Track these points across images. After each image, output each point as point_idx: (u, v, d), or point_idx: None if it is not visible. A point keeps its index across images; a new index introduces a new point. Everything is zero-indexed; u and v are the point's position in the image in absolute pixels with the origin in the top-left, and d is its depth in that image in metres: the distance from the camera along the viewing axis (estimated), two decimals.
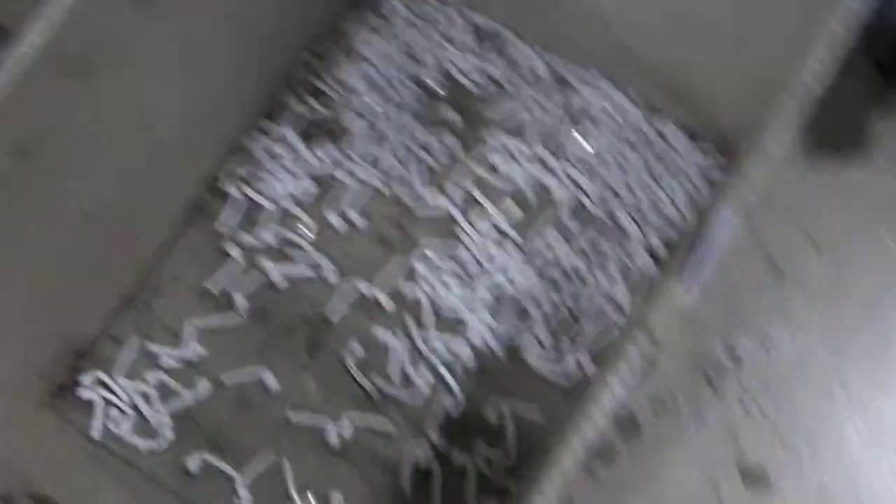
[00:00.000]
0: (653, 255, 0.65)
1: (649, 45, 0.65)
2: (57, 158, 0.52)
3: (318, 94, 0.71)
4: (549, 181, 0.68)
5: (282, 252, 0.67)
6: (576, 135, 0.69)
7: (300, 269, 0.66)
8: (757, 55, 0.55)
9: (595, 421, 0.43)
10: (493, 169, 0.69)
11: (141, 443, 0.62)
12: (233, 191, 0.68)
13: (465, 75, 0.71)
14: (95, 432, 0.62)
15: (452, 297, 0.66)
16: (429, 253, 0.67)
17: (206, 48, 0.59)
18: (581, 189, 0.68)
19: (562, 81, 0.71)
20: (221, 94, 0.64)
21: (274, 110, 0.70)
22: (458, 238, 0.67)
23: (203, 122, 0.63)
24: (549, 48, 0.72)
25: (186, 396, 0.63)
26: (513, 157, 0.69)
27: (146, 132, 0.58)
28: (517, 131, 0.70)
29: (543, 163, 0.69)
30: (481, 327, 0.65)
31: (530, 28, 0.71)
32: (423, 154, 0.68)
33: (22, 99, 0.46)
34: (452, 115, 0.70)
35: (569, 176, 0.68)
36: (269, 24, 0.65)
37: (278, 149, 0.69)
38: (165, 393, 0.63)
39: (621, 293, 0.65)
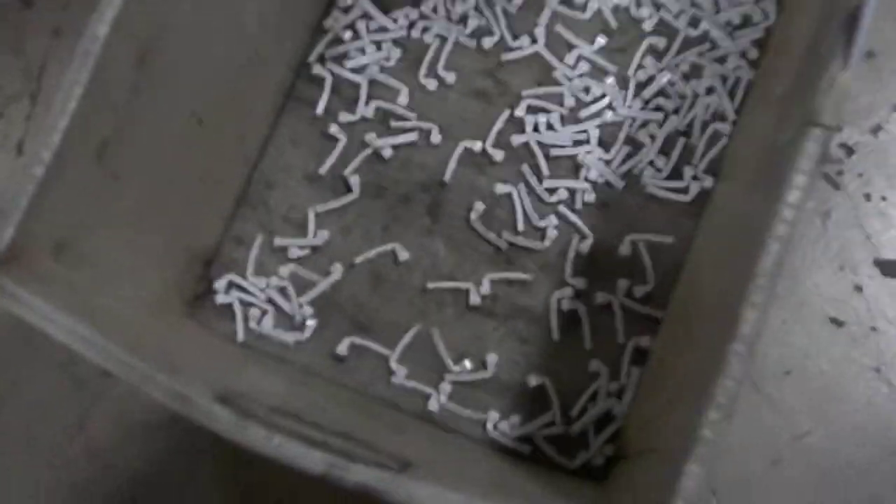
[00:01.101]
0: (745, 58, 0.63)
1: None
2: (169, 61, 0.50)
3: None
4: (627, 1, 0.65)
5: (382, 123, 0.65)
6: None
7: (404, 136, 0.64)
8: None
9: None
10: (569, 2, 0.66)
11: (287, 336, 0.62)
12: (323, 72, 0.66)
13: None
14: (240, 334, 0.62)
15: (561, 137, 0.64)
16: (527, 98, 0.64)
17: None
18: (662, 5, 0.64)
19: None
20: None
21: None
22: (553, 78, 0.64)
23: (283, 5, 0.61)
24: None
25: (321, 283, 0.61)
26: None
27: (235, 22, 0.56)
28: None
29: None
30: (595, 163, 0.63)
31: None
32: (500, 1, 0.65)
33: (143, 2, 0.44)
34: None
35: None
36: None
37: (359, 24, 0.66)
38: (300, 284, 0.61)
39: (724, 102, 0.63)
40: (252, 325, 0.62)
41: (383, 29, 0.66)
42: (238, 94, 0.59)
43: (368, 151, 0.63)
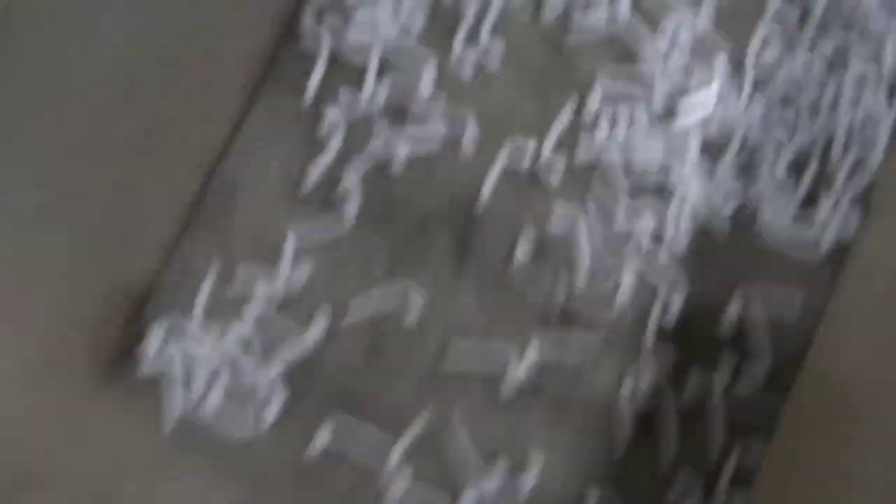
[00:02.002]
0: None
1: None
2: None
3: None
4: None
5: (396, 116, 0.50)
6: None
7: (426, 137, 0.49)
8: None
9: None
10: None
11: (240, 421, 0.46)
12: (316, 40, 0.50)
13: None
14: (171, 416, 0.46)
15: (647, 148, 0.49)
16: (602, 87, 0.49)
17: None
18: None
19: None
20: None
21: None
22: (638, 60, 0.50)
23: None
24: None
25: (299, 340, 0.47)
26: None
27: None
28: None
29: None
30: (694, 187, 0.48)
31: None
32: None
33: None
34: None
35: None
36: None
37: None
38: (268, 338, 0.47)
39: (879, 102, 0.50)
40: (194, 399, 0.46)
41: None
42: (184, 53, 0.45)
43: (373, 157, 0.49)
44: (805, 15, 0.51)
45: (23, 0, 0.39)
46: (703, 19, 0.51)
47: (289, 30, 0.52)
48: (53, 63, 0.42)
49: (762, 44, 0.51)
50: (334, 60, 0.51)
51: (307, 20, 0.51)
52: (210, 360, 0.47)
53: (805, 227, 0.48)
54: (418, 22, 0.51)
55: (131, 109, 0.44)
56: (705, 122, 0.50)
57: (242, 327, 0.48)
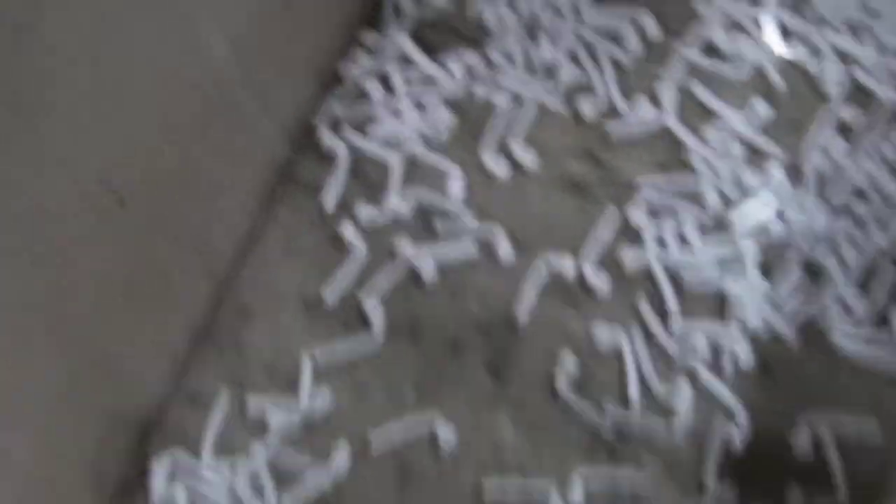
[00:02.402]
0: None
1: None
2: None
3: None
4: (801, 54, 0.48)
5: (423, 226, 0.46)
6: None
7: (457, 248, 0.46)
8: None
9: None
10: (714, 50, 0.49)
11: None
12: (335, 143, 0.47)
13: None
14: None
15: (700, 258, 0.45)
16: (649, 193, 0.46)
17: None
18: (853, 59, 0.48)
19: None
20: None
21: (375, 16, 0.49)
22: (686, 164, 0.47)
23: (268, 29, 0.39)
24: None
25: (319, 474, 0.42)
26: (741, 27, 0.49)
27: (189, 42, 0.37)
28: None
29: (787, 29, 0.49)
30: (753, 300, 0.44)
31: None
32: (606, 45, 0.48)
33: None
34: None
35: (830, 44, 0.48)
36: None
37: (392, 71, 0.46)
38: (284, 472, 0.42)
39: None
40: None
41: (429, 81, 0.48)
42: (192, 162, 0.41)
43: (400, 269, 0.45)
44: (868, 112, 0.47)
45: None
46: (755, 120, 0.46)
47: (309, 133, 0.48)
48: (58, 167, 0.37)
49: (821, 147, 0.46)
50: (356, 169, 0.47)
51: (323, 131, 0.47)
52: (218, 495, 0.42)
53: (879, 343, 0.44)
54: (446, 121, 0.47)
55: (128, 211, 0.39)
56: (762, 232, 0.45)
57: (255, 463, 0.43)
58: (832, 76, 0.48)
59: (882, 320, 0.44)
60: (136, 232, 0.40)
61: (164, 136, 0.40)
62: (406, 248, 0.46)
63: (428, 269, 0.45)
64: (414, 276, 0.46)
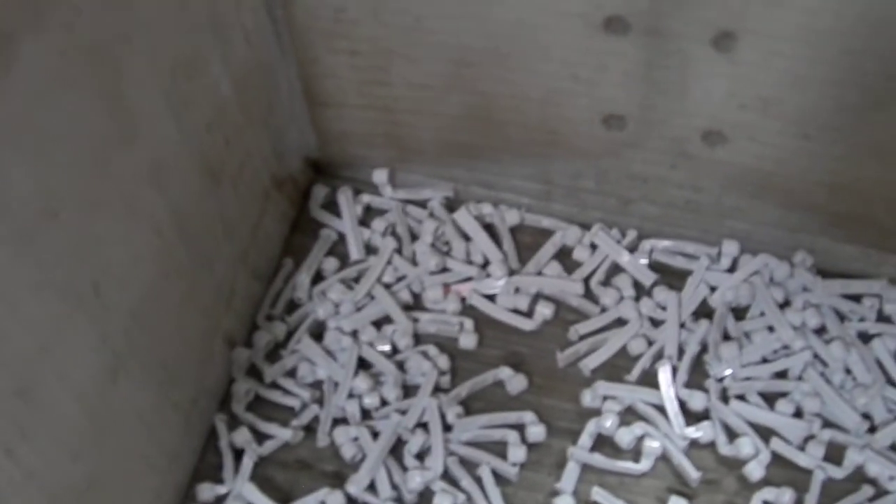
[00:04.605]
0: None
1: None
2: None
3: None
4: (711, 434, 0.42)
5: None
6: None
7: None
8: None
9: None
10: (607, 441, 0.42)
11: None
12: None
13: None
14: None
15: None
16: None
17: None
18: (773, 431, 0.42)
19: None
20: None
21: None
22: None
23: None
24: None
25: None
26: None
27: None
28: None
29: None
30: None
31: None
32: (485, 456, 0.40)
33: None
34: None
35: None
36: None
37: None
38: None
39: None
40: None
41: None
42: None
43: None
44: (801, 494, 0.39)
45: None
46: None
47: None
48: None
49: None
50: None
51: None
52: None
53: None
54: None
55: None
56: None
57: None
58: (749, 450, 0.40)
59: None
60: None
61: None
62: None
63: None
64: None
